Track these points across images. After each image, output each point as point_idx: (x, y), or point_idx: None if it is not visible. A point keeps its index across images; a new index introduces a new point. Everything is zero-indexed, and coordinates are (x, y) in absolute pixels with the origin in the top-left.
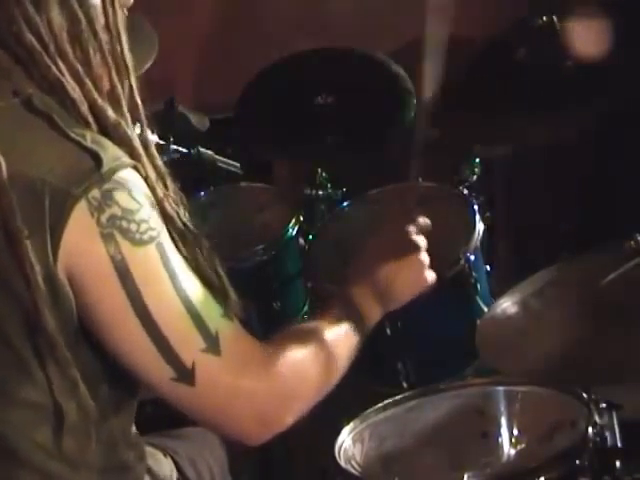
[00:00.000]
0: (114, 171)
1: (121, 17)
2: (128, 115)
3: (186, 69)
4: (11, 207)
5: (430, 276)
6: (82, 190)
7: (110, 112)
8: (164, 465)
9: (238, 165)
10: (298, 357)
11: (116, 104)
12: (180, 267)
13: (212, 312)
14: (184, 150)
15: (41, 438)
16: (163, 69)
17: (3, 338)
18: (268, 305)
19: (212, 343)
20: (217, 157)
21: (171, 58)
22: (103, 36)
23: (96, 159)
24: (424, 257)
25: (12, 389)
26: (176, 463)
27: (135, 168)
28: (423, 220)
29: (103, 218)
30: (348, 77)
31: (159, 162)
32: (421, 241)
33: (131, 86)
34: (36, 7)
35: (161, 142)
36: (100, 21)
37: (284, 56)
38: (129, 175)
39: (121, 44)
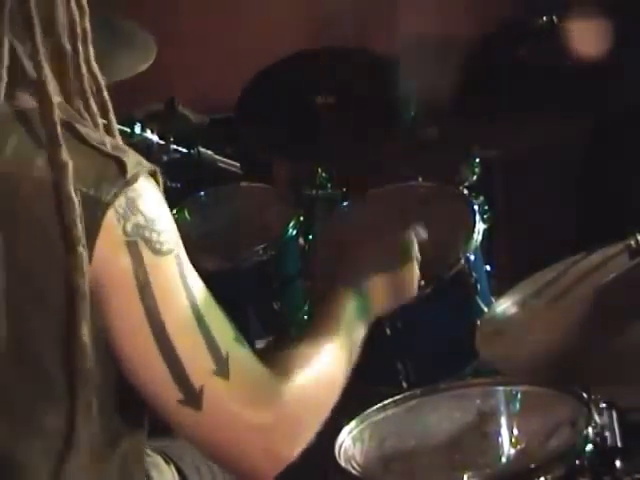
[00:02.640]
0: (137, 176)
1: None
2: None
3: (186, 69)
4: (74, 217)
5: (415, 288)
6: (111, 197)
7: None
8: (167, 475)
9: (238, 165)
10: (305, 386)
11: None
12: (196, 284)
13: (224, 334)
14: (184, 150)
15: (58, 466)
16: (163, 69)
17: (35, 360)
18: (268, 305)
19: (222, 366)
20: (217, 157)
21: (171, 58)
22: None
23: (120, 165)
24: (416, 269)
25: (38, 417)
26: (180, 470)
27: (153, 174)
28: (421, 229)
29: (129, 226)
30: (348, 77)
31: None
32: (415, 252)
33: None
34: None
35: (161, 142)
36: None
37: (284, 56)
38: (149, 182)
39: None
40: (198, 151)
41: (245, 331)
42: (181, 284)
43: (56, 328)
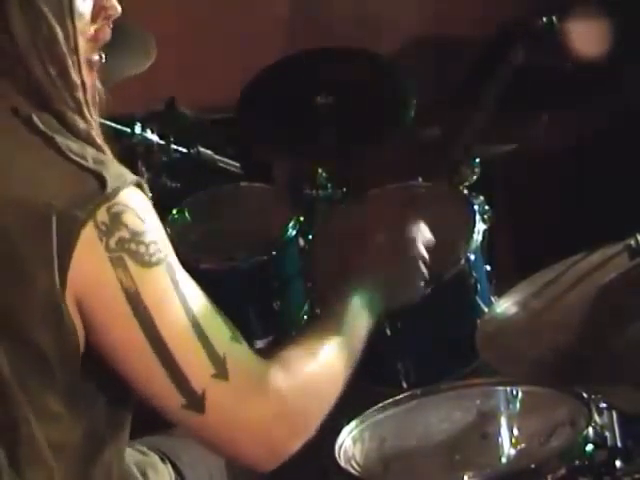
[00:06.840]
0: (118, 191)
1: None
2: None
3: (186, 69)
4: None
5: (423, 283)
6: (88, 213)
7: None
8: (163, 475)
9: (238, 165)
10: (306, 377)
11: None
12: (189, 288)
13: (221, 335)
14: (184, 150)
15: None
16: (163, 69)
17: None
18: (268, 305)
19: (221, 368)
20: (217, 157)
21: (171, 58)
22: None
23: (100, 179)
24: (421, 264)
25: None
26: (176, 469)
27: (138, 185)
28: (425, 228)
29: (112, 242)
30: (348, 77)
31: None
32: (422, 248)
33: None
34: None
35: (161, 142)
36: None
37: (284, 56)
38: (133, 194)
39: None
40: (198, 151)
41: (245, 331)
42: (174, 292)
43: None
